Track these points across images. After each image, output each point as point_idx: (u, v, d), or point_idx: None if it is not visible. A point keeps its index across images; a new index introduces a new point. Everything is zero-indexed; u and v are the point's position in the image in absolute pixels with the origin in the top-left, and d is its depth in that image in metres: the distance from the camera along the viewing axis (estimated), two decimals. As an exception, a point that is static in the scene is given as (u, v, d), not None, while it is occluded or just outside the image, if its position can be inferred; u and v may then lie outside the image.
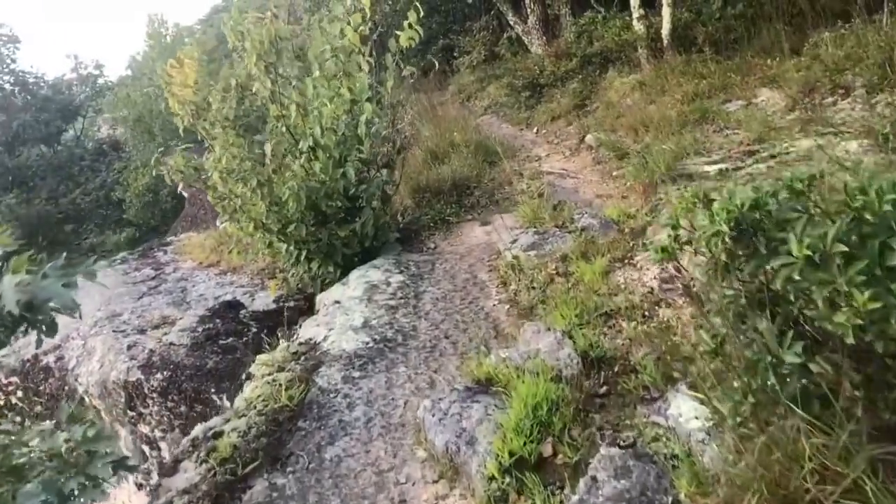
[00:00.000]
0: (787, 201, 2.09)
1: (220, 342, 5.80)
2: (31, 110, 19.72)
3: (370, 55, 5.92)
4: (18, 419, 6.17)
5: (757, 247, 2.07)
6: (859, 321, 1.73)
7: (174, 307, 6.63)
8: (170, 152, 5.90)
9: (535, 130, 9.70)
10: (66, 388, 6.00)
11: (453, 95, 13.62)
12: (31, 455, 2.49)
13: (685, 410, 2.75)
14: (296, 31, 6.33)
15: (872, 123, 5.32)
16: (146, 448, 5.65)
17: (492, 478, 2.69)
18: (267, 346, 4.64)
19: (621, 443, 2.74)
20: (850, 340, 1.76)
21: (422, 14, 5.71)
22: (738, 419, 2.29)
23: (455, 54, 15.11)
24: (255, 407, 3.43)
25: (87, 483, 2.40)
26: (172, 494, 2.93)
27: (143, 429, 5.57)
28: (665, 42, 9.39)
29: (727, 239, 2.04)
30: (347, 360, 3.99)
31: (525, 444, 2.77)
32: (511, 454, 2.74)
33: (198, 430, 3.33)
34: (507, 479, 2.67)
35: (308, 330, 4.59)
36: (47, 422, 3.31)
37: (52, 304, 2.17)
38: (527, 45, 13.18)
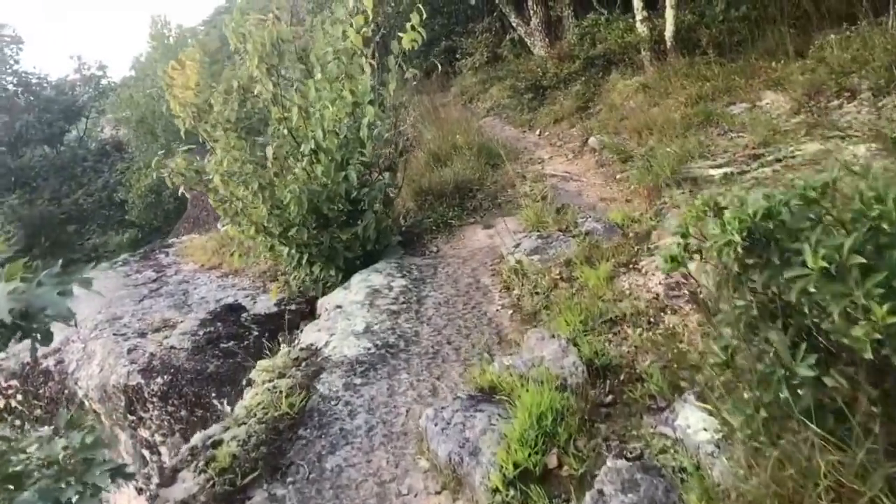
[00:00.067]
0: (800, 210, 2.04)
1: (221, 346, 5.75)
2: (34, 111, 19.70)
3: (372, 57, 5.88)
4: (18, 423, 6.13)
5: (770, 257, 2.02)
6: (877, 335, 1.68)
7: (175, 310, 6.58)
8: (172, 154, 5.85)
9: (537, 133, 9.65)
10: (66, 391, 5.95)
11: (456, 97, 13.58)
12: (29, 462, 2.45)
13: (693, 422, 2.70)
14: (298, 33, 6.29)
15: (880, 127, 5.26)
16: (146, 452, 5.60)
17: (496, 490, 2.64)
18: (268, 352, 4.59)
19: (628, 455, 2.69)
20: (867, 355, 1.70)
21: (424, 16, 5.66)
22: (750, 433, 2.24)
23: (457, 56, 15.06)
24: (255, 415, 3.38)
25: (84, 491, 2.36)
26: (171, 505, 2.88)
27: (144, 433, 5.53)
28: (668, 44, 9.34)
29: (739, 249, 1.99)
30: (349, 366, 3.94)
31: (530, 455, 2.72)
32: (515, 466, 2.69)
33: (196, 438, 3.28)
34: (512, 492, 2.62)
35: (309, 335, 4.54)
36: (45, 428, 3.27)
37: (47, 313, 2.12)
38: (529, 46, 13.13)
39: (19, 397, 6.14)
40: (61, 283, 2.17)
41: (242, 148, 5.73)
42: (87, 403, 5.79)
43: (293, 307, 6.29)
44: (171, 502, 2.88)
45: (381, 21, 12.35)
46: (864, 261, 1.74)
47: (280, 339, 5.10)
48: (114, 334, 6.00)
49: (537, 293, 4.53)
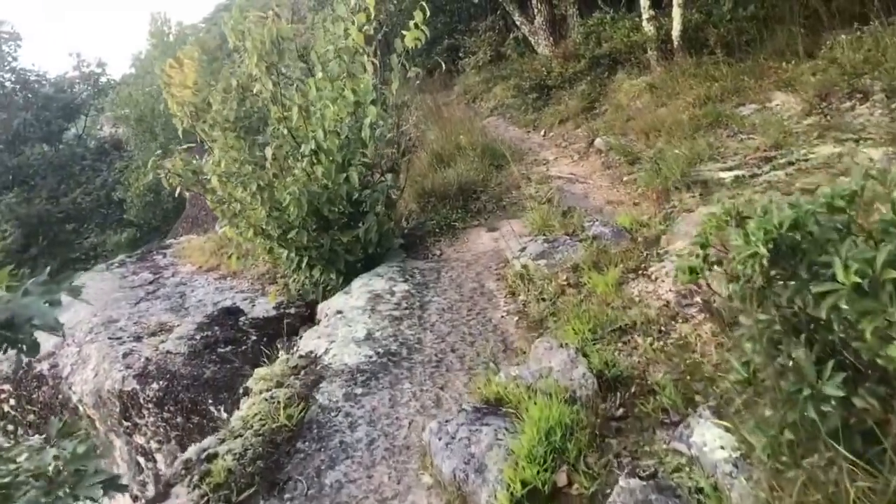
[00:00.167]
0: (828, 220, 1.92)
1: (219, 350, 5.64)
2: (32, 109, 19.56)
3: (374, 56, 5.75)
4: (11, 428, 6.02)
5: (796, 270, 1.90)
6: (914, 355, 1.56)
7: (172, 313, 6.46)
8: (170, 153, 5.73)
9: (542, 133, 9.52)
10: (60, 396, 5.83)
11: (459, 96, 13.45)
12: (18, 473, 2.34)
13: (709, 439, 2.57)
14: (298, 31, 6.17)
15: (895, 129, 5.14)
16: (141, 459, 5.49)
17: (503, 510, 2.52)
18: (265, 360, 4.47)
19: (641, 473, 2.56)
20: (904, 377, 1.58)
21: (428, 14, 5.53)
22: (771, 452, 2.12)
23: (460, 55, 14.93)
24: (251, 426, 3.26)
25: None
26: (163, 522, 2.76)
27: (139, 440, 5.41)
28: (675, 44, 9.21)
29: (765, 262, 1.87)
30: (350, 375, 3.82)
31: (538, 472, 2.59)
32: (523, 484, 2.57)
33: (191, 451, 3.15)
34: (520, 512, 2.50)
35: (309, 342, 4.41)
36: (36, 436, 3.15)
37: (33, 323, 2.01)
38: (533, 45, 13.00)
39: (12, 402, 6.02)
40: (49, 292, 2.04)
41: (241, 148, 5.61)
42: (81, 409, 5.68)
43: (292, 311, 6.18)
44: (163, 520, 2.76)
45: (384, 19, 12.23)
46: (901, 276, 1.62)
47: (279, 346, 4.98)
48: (109, 338, 5.88)
49: (544, 299, 4.40)
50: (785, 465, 2.09)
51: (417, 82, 6.15)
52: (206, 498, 2.81)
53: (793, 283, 1.88)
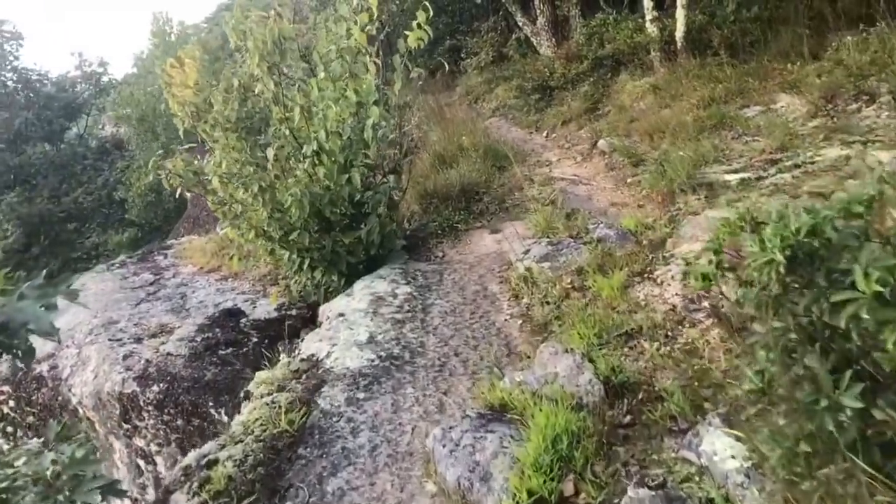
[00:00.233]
0: (846, 226, 1.86)
1: (220, 353, 5.59)
2: (33, 108, 19.55)
3: (376, 56, 5.70)
4: (10, 430, 5.97)
5: (813, 278, 1.84)
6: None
7: (173, 314, 6.41)
8: (172, 153, 5.68)
9: (544, 134, 9.47)
10: (60, 398, 5.79)
11: (461, 97, 13.41)
12: (16, 478, 2.30)
13: (720, 448, 2.52)
14: (300, 31, 6.12)
15: (903, 132, 5.09)
16: (141, 462, 5.44)
17: (509, 520, 2.47)
18: (266, 364, 4.42)
19: (650, 483, 2.51)
20: (930, 390, 1.53)
21: (431, 14, 5.48)
22: (785, 463, 2.07)
23: (462, 55, 14.89)
24: (252, 432, 3.21)
25: (73, 510, 2.21)
26: (162, 530, 2.71)
27: (139, 442, 5.36)
28: (679, 45, 9.15)
29: (781, 269, 1.81)
30: (352, 379, 3.77)
31: (545, 482, 2.54)
32: (530, 493, 2.52)
33: (191, 457, 3.11)
34: (526, 522, 2.45)
35: (310, 345, 4.36)
36: (34, 440, 3.10)
37: (29, 328, 1.96)
38: (535, 46, 12.95)
39: (11, 403, 5.98)
40: (45, 296, 1.99)
41: (242, 149, 5.56)
42: (80, 411, 5.63)
43: (294, 312, 6.13)
44: (162, 529, 2.71)
45: (386, 19, 12.18)
46: (925, 286, 1.57)
47: (280, 348, 4.93)
48: (109, 339, 5.83)
49: (548, 303, 4.35)
50: (800, 477, 2.04)
51: (420, 83, 6.08)
52: (206, 505, 2.76)
53: (810, 290, 1.83)
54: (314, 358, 4.11)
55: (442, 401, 3.53)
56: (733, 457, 2.45)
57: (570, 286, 4.43)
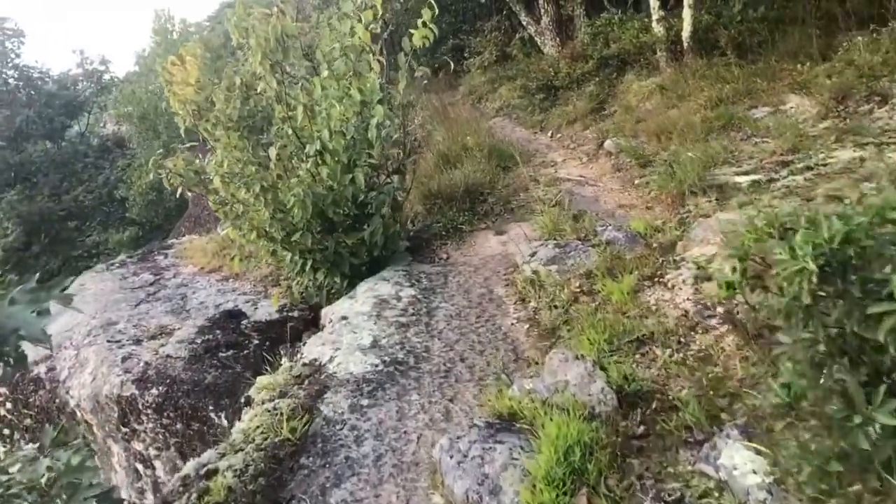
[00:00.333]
0: (883, 234, 1.76)
1: (220, 355, 5.49)
2: (34, 106, 19.45)
3: (380, 54, 5.60)
4: (7, 432, 5.88)
5: (847, 288, 1.75)
6: None
7: (173, 316, 6.32)
8: (173, 152, 5.59)
9: (549, 134, 9.37)
10: (57, 401, 5.70)
11: (464, 96, 13.31)
12: (10, 485, 2.21)
13: (739, 461, 2.42)
14: (303, 29, 6.02)
15: (918, 134, 4.99)
16: (140, 466, 5.35)
17: (520, 536, 2.37)
18: (267, 368, 4.32)
19: (667, 498, 2.42)
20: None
21: (436, 12, 5.38)
22: (807, 478, 1.97)
23: (465, 54, 14.79)
24: (253, 440, 3.11)
25: (68, 518, 2.12)
26: (159, 543, 2.62)
27: (137, 446, 5.27)
28: (685, 45, 9.06)
29: (814, 279, 1.71)
30: (355, 384, 3.67)
31: (557, 496, 2.45)
32: (541, 508, 2.42)
33: (189, 466, 3.01)
34: (538, 539, 2.35)
35: (313, 349, 4.26)
36: (30, 445, 3.02)
37: (20, 334, 1.86)
38: (539, 46, 12.85)
39: (8, 406, 5.89)
40: (37, 301, 1.89)
41: (244, 148, 5.46)
42: (78, 414, 5.54)
43: (295, 314, 6.04)
44: (160, 542, 2.61)
45: (389, 18, 12.08)
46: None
47: (282, 352, 4.84)
48: (108, 341, 5.74)
49: (556, 307, 4.25)
50: (828, 495, 1.95)
51: (425, 82, 5.98)
52: (204, 518, 2.66)
53: (843, 301, 1.73)
54: (317, 362, 4.01)
55: (448, 408, 3.43)
56: (754, 471, 2.35)
57: (578, 290, 4.33)
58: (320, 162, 5.34)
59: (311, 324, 5.74)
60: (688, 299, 3.89)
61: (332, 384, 3.69)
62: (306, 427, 3.24)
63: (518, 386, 3.24)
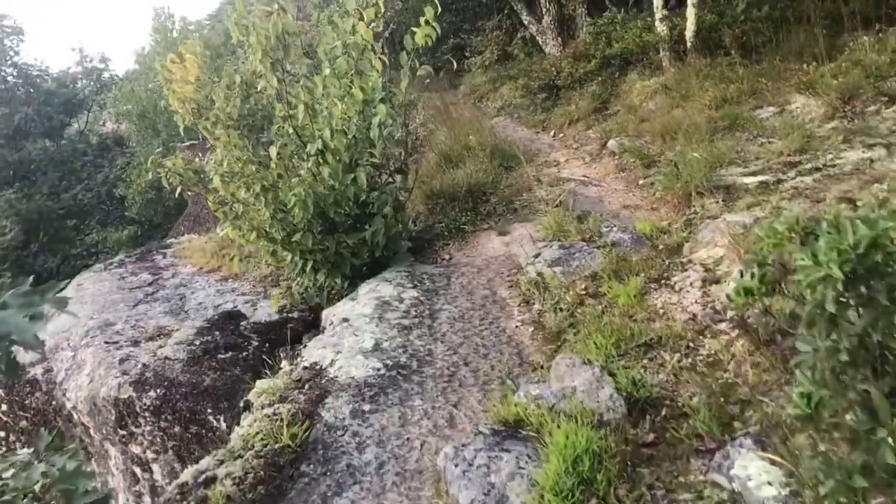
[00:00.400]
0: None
1: (219, 357, 5.41)
2: (33, 104, 19.35)
3: (382, 53, 5.52)
4: (2, 434, 5.80)
5: (874, 296, 1.67)
6: None
7: (171, 316, 6.24)
8: (172, 151, 5.51)
9: (551, 134, 9.31)
10: (54, 402, 5.62)
11: (465, 96, 13.25)
12: (3, 491, 2.14)
13: (753, 472, 2.35)
14: (303, 27, 5.95)
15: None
16: (137, 469, 5.27)
17: (528, 549, 2.30)
18: (267, 372, 4.25)
19: (679, 509, 2.35)
20: None
21: (439, 10, 5.30)
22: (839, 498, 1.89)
23: (466, 53, 14.72)
24: (252, 447, 3.04)
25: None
26: (156, 553, 2.55)
27: (135, 449, 5.19)
28: (689, 44, 9.00)
29: (840, 286, 1.64)
30: (357, 389, 3.59)
31: (566, 507, 2.38)
32: (549, 519, 2.35)
33: (187, 474, 2.94)
34: (547, 552, 2.28)
35: (313, 352, 4.19)
36: (24, 450, 2.94)
37: (12, 338, 1.78)
38: (541, 45, 12.80)
39: (4, 407, 5.81)
40: (30, 305, 1.81)
41: (244, 147, 5.38)
42: (75, 416, 5.46)
43: (295, 315, 5.96)
44: (156, 553, 2.54)
45: (390, 16, 12.01)
46: None
47: (281, 354, 4.77)
48: (105, 342, 5.66)
49: (561, 309, 4.18)
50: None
51: (427, 80, 5.91)
52: (203, 528, 2.59)
53: (870, 310, 1.66)
54: (317, 366, 3.94)
55: (452, 414, 3.36)
56: (769, 483, 2.28)
57: (584, 292, 4.26)
58: (322, 161, 5.26)
59: (312, 325, 5.67)
60: (696, 302, 3.82)
61: (333, 389, 3.62)
62: (307, 433, 3.17)
63: (524, 391, 3.17)
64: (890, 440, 1.72)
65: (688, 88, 8.02)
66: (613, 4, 12.01)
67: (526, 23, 13.10)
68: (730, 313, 3.41)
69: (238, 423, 3.86)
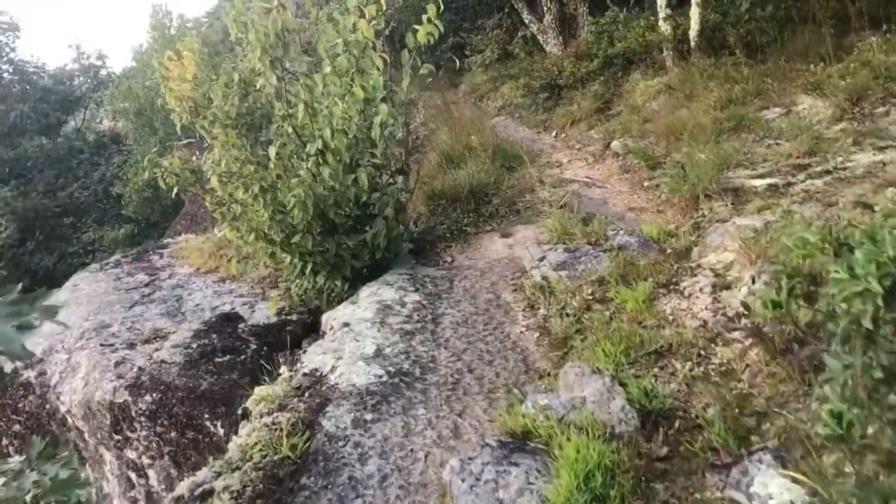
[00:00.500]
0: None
1: (216, 360, 5.31)
2: (30, 101, 19.23)
3: (382, 51, 5.41)
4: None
5: (914, 310, 1.58)
6: None
7: (168, 318, 6.13)
8: (170, 149, 5.40)
9: (553, 134, 9.21)
10: (48, 406, 5.51)
11: (465, 95, 13.15)
12: None
13: (775, 490, 2.25)
14: (303, 25, 5.84)
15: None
16: (132, 475, 5.16)
17: (539, 570, 2.20)
18: (265, 378, 4.14)
19: (697, 529, 2.25)
20: None
21: (441, 8, 5.19)
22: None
23: (466, 52, 14.61)
24: (251, 458, 2.93)
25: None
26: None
27: (130, 454, 5.09)
28: (693, 44, 8.89)
29: (879, 301, 1.54)
30: (358, 397, 3.49)
31: (578, 526, 2.28)
32: (561, 539, 2.25)
33: (183, 486, 2.83)
34: (559, 574, 2.18)
35: (313, 357, 4.08)
36: (15, 458, 2.84)
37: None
38: (542, 44, 12.69)
39: (-4, 411, 5.70)
40: (18, 314, 1.71)
41: (243, 146, 5.28)
42: (69, 420, 5.35)
43: (294, 318, 5.86)
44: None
45: (390, 14, 11.90)
46: None
47: (280, 359, 4.66)
48: (101, 345, 5.55)
49: (567, 315, 4.07)
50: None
51: (430, 80, 5.80)
52: (199, 544, 2.48)
53: (909, 326, 1.56)
54: (317, 373, 3.83)
55: (457, 424, 3.25)
56: (792, 502, 2.18)
57: (590, 297, 4.16)
58: (322, 161, 5.15)
59: (311, 329, 5.56)
60: (706, 308, 3.72)
61: (334, 396, 3.51)
62: (307, 444, 3.06)
63: (531, 401, 3.06)
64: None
65: (692, 88, 7.92)
66: (615, 3, 11.90)
67: (527, 21, 12.99)
68: (744, 321, 3.31)
69: (236, 430, 3.76)
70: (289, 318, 5.88)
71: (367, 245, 5.33)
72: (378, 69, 5.31)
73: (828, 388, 1.88)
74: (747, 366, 3.08)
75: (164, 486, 5.00)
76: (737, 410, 2.83)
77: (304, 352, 4.41)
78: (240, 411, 3.77)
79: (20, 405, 5.64)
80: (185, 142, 5.60)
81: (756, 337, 3.22)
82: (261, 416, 3.32)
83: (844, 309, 1.61)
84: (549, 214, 5.69)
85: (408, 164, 6.02)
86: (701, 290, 3.91)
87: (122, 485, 5.27)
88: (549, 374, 3.59)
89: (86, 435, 5.35)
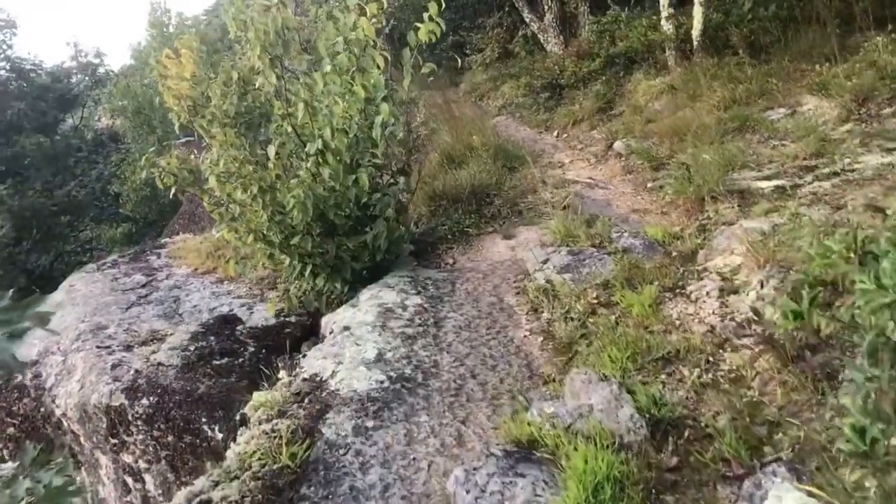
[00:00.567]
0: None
1: (214, 363, 5.23)
2: (27, 98, 19.13)
3: (383, 49, 5.34)
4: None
5: (944, 323, 1.51)
6: None
7: (165, 320, 6.05)
8: (167, 149, 5.32)
9: (554, 134, 9.14)
10: (43, 409, 5.43)
11: (465, 94, 13.08)
12: None
13: (790, 504, 2.18)
14: (303, 24, 5.76)
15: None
16: (129, 479, 5.09)
17: (547, 587, 2.13)
18: (264, 383, 4.07)
19: (710, 545, 2.18)
20: None
21: (443, 6, 5.11)
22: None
23: (466, 51, 14.54)
24: (250, 467, 2.86)
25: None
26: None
27: (126, 458, 5.01)
28: (695, 43, 8.83)
29: (909, 314, 1.47)
30: (359, 403, 3.42)
31: (587, 540, 2.21)
32: (570, 554, 2.18)
33: (180, 496, 2.76)
34: (568, 591, 2.11)
35: (313, 362, 4.00)
36: (9, 464, 2.78)
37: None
38: (543, 43, 12.63)
39: (-9, 414, 5.62)
40: (9, 322, 1.65)
41: (241, 146, 5.19)
42: (65, 423, 5.27)
43: (293, 320, 5.78)
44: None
45: (391, 12, 11.83)
46: None
47: (279, 363, 4.58)
48: (97, 347, 5.47)
49: (571, 319, 4.00)
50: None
51: (431, 79, 5.73)
52: (196, 558, 2.41)
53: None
54: (317, 378, 3.75)
55: (460, 431, 3.18)
56: (809, 517, 2.12)
57: (595, 301, 4.09)
58: (322, 162, 5.07)
59: (310, 331, 5.49)
60: (714, 313, 3.65)
61: (335, 403, 3.44)
62: (307, 452, 2.99)
63: (537, 409, 2.99)
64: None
65: (695, 88, 7.86)
66: (616, 3, 11.84)
67: (527, 20, 12.92)
68: (754, 327, 3.24)
69: (234, 435, 3.69)
70: (288, 320, 5.80)
71: (368, 247, 5.25)
72: (379, 68, 5.22)
73: (847, 400, 1.81)
74: (758, 373, 3.01)
75: (160, 491, 4.92)
76: (748, 419, 2.76)
77: (304, 356, 4.33)
78: (238, 416, 3.70)
79: (14, 408, 5.56)
80: (183, 140, 5.54)
81: (767, 343, 3.15)
82: (259, 423, 3.24)
83: (872, 322, 1.54)
84: (552, 216, 5.62)
85: (409, 164, 5.95)
86: (708, 294, 3.84)
87: (119, 489, 5.19)
88: (553, 380, 3.52)
89: (81, 438, 5.28)
